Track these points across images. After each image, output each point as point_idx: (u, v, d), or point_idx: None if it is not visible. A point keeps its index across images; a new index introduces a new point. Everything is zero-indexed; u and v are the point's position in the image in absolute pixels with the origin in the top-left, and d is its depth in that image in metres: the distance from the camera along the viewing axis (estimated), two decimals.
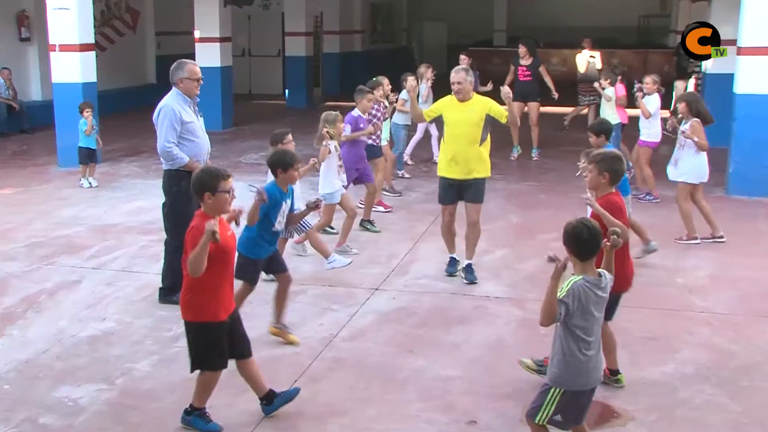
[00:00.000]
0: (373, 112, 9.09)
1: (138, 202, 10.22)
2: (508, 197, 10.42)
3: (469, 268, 7.15)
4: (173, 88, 6.42)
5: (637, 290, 6.64)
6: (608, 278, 4.04)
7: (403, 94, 11.13)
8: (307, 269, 7.39)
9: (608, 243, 4.12)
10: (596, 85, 11.42)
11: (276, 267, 5.71)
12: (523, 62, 12.93)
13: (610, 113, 11.04)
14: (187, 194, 6.34)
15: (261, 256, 5.55)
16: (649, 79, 10.03)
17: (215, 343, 4.44)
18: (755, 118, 10.26)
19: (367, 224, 8.80)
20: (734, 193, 10.37)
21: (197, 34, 16.00)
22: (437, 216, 9.34)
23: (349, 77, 21.46)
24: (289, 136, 6.87)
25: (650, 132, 9.92)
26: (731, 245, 8.26)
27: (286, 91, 20.67)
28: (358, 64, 22.73)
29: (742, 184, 10.34)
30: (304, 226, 6.99)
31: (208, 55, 15.72)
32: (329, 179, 7.68)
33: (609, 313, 4.73)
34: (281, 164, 5.48)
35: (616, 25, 26.96)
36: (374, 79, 9.86)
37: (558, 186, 10.88)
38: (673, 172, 8.32)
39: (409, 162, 12.21)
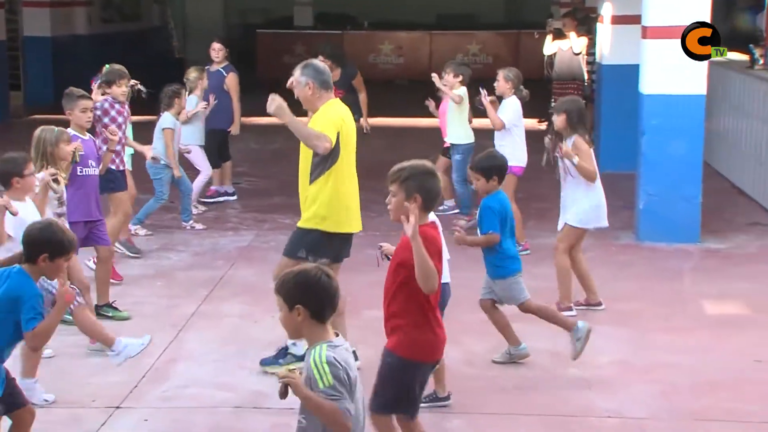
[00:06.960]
0: (113, 113, 9.19)
1: None
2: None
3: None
4: None
5: (508, 393, 6.86)
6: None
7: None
8: None
9: None
10: (435, 78, 11.35)
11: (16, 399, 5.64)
12: None
13: (459, 127, 11.33)
14: None
15: None
16: (500, 75, 10.34)
17: None
18: (672, 128, 10.68)
19: (107, 310, 8.52)
20: (647, 239, 10.86)
21: None
22: (212, 288, 9.34)
23: (69, 75, 20.92)
24: (31, 166, 7.03)
25: (512, 152, 10.08)
26: (646, 317, 8.67)
27: None
28: (83, 55, 22.38)
29: (658, 225, 10.84)
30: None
31: None
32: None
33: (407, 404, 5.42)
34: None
35: None
36: (111, 67, 9.76)
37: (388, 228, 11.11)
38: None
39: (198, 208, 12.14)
